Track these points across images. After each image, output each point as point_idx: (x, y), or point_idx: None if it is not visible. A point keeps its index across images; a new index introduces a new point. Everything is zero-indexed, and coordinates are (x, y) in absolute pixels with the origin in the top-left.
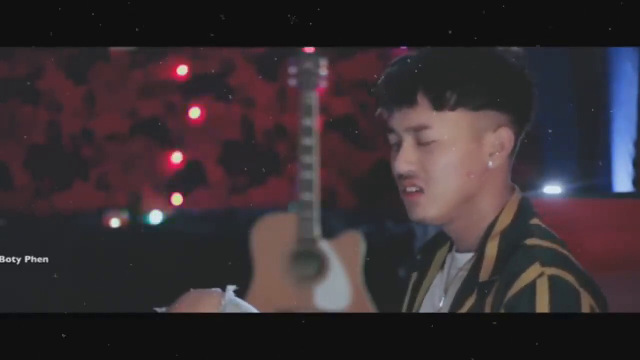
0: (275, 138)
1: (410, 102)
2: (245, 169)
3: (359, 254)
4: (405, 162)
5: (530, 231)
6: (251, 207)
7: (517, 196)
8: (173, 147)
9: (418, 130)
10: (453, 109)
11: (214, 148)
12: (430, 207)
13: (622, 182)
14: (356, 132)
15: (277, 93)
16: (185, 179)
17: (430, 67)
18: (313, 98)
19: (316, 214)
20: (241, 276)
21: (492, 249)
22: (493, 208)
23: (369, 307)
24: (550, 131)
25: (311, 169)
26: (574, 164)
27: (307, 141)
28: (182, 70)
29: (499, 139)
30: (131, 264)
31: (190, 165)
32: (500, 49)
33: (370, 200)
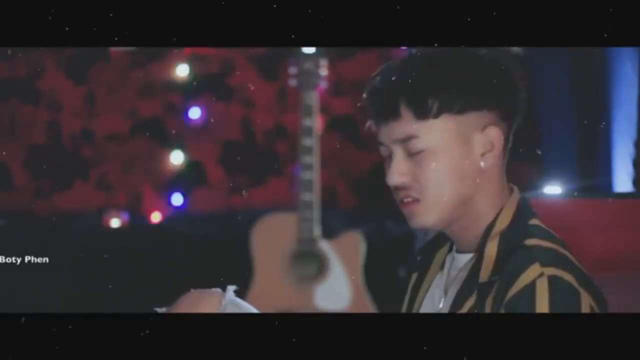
0: (275, 138)
1: (394, 115)
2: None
3: (359, 254)
4: (397, 174)
5: (530, 231)
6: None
7: (515, 196)
8: (173, 147)
9: (405, 140)
10: (436, 116)
11: (214, 148)
12: (427, 215)
13: (622, 182)
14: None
15: (277, 93)
16: (185, 179)
17: (410, 77)
18: (313, 98)
19: (316, 214)
20: (241, 276)
21: (491, 249)
22: (491, 207)
23: (369, 307)
24: (550, 131)
25: (311, 169)
26: (574, 164)
27: (307, 141)
28: (182, 70)
29: (487, 138)
30: (131, 264)
31: (190, 165)
32: (480, 49)
33: (370, 200)
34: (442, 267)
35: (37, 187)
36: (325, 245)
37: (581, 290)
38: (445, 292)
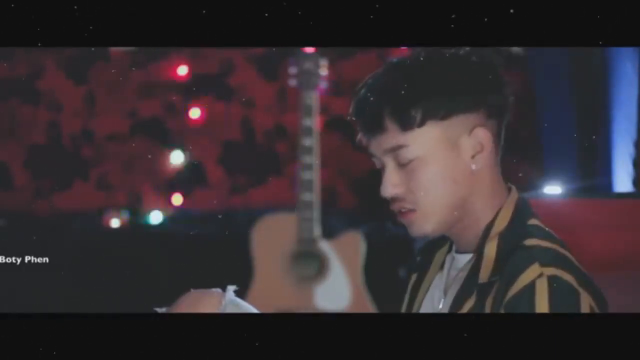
0: (275, 138)
1: (379, 128)
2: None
3: (359, 254)
4: (390, 185)
5: (529, 231)
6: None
7: (513, 196)
8: (173, 147)
9: (394, 151)
10: (421, 125)
11: (214, 148)
12: (425, 223)
13: (622, 182)
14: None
15: (277, 93)
16: (185, 179)
17: (391, 89)
18: (313, 98)
19: (316, 214)
20: (241, 276)
21: (491, 250)
22: (488, 207)
23: (369, 307)
24: (549, 131)
25: (311, 169)
26: (574, 164)
27: (307, 141)
28: (182, 70)
29: (476, 140)
30: (131, 264)
31: (190, 165)
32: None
33: (370, 200)
34: (441, 267)
35: (37, 187)
36: (325, 245)
37: (581, 290)
38: (445, 292)
